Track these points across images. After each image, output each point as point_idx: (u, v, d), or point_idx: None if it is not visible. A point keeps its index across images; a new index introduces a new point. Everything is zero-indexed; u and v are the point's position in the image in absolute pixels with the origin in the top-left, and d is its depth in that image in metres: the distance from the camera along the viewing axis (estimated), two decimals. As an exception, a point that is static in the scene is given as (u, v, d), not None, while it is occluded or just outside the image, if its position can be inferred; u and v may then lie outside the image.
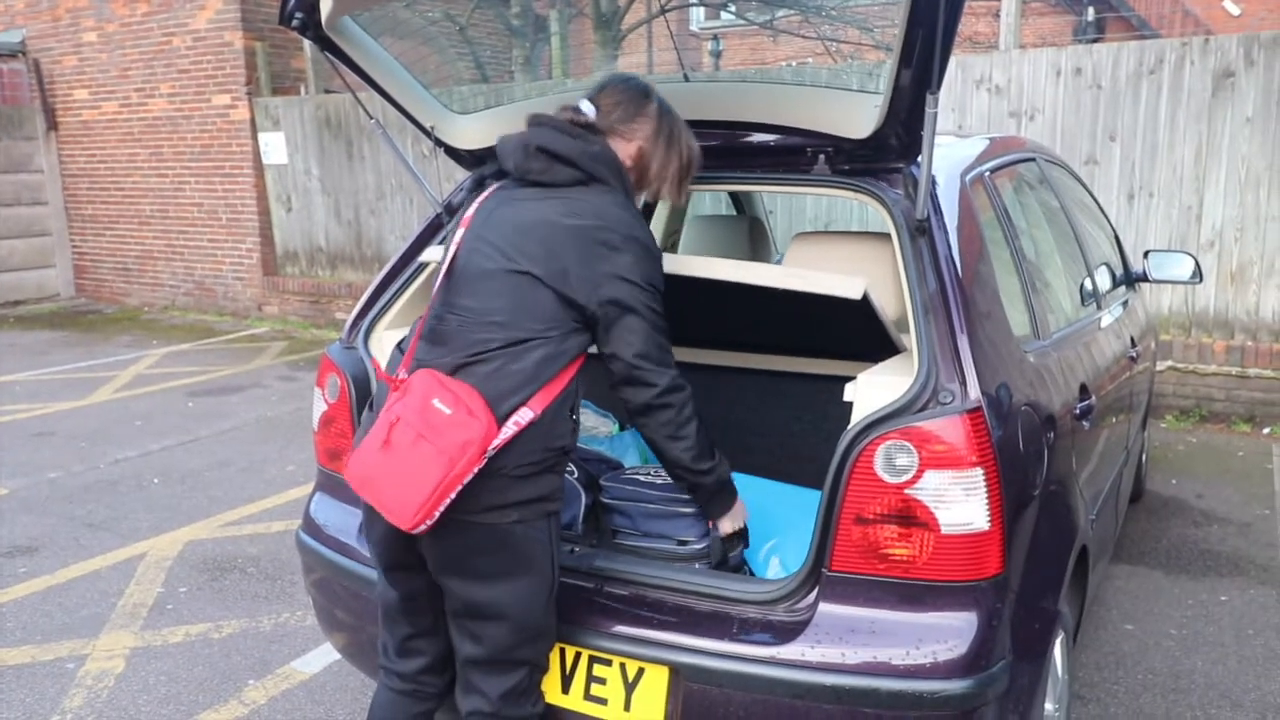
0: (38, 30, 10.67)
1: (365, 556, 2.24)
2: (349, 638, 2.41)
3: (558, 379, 1.82)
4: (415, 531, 1.73)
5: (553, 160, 1.92)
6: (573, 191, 1.92)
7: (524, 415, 1.77)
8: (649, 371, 1.85)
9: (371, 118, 2.61)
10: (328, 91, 9.04)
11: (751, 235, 3.62)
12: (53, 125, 10.78)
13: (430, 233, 2.62)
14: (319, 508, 2.49)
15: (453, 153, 2.67)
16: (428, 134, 2.61)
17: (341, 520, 2.39)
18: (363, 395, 2.35)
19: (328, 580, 2.40)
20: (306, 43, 9.04)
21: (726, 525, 2.09)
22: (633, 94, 2.03)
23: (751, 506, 2.35)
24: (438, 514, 1.70)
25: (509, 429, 1.75)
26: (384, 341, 2.45)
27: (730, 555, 2.11)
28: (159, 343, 8.84)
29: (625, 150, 2.01)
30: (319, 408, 2.44)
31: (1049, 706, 2.21)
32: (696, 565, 2.08)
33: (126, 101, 10.23)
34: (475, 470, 1.70)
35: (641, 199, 2.13)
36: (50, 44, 10.62)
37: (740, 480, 2.46)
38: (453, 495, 1.69)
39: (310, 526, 2.47)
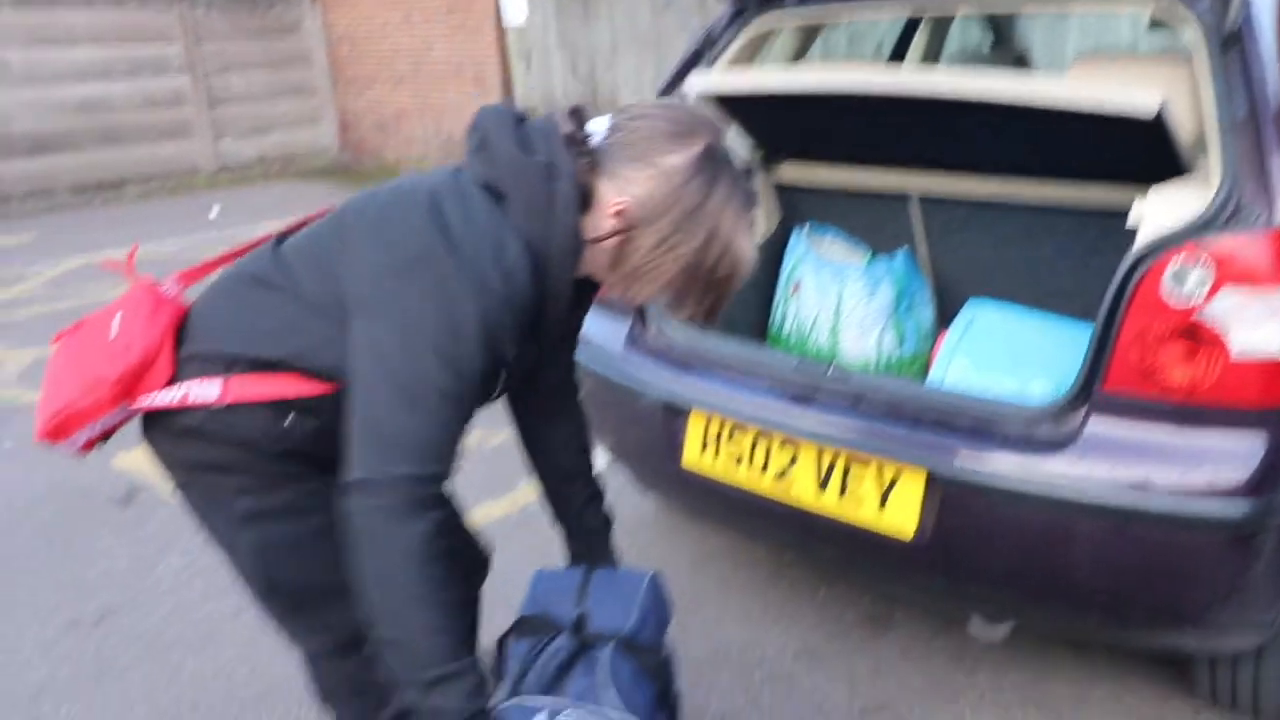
0: (304, -101, 11.32)
1: (629, 369, 2.42)
2: (614, 439, 2.63)
3: None
4: None
5: (484, 150, 1.37)
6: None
7: None
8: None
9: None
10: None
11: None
12: (318, -10, 11.54)
13: (691, 61, 2.69)
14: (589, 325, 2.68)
15: None
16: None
17: (607, 331, 2.56)
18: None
19: (592, 392, 2.61)
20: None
21: None
22: (663, 124, 1.33)
23: (1013, 337, 2.32)
24: None
25: None
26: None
27: None
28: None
29: (608, 199, 1.32)
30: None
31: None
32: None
33: (381, -36, 10.77)
34: None
35: (561, 283, 1.35)
36: (314, -88, 11.26)
37: (1002, 310, 2.44)
38: None
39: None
